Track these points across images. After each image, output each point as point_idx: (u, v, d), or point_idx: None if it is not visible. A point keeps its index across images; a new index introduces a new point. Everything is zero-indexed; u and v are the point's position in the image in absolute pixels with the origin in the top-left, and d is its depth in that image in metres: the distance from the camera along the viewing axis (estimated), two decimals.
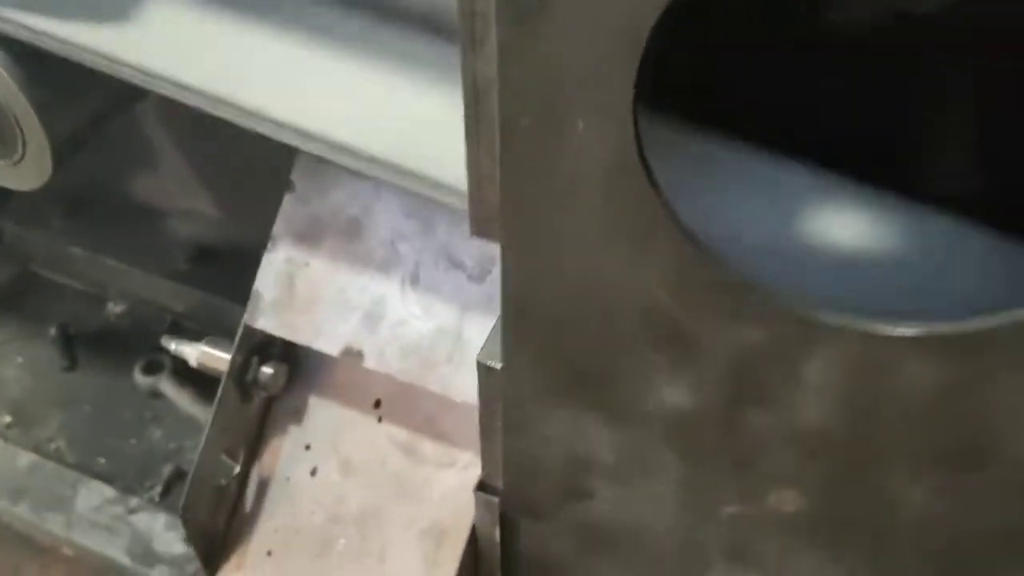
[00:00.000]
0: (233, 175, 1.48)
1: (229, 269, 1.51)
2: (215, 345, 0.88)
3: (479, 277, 0.77)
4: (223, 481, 0.88)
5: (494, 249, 0.77)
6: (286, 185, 0.82)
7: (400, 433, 0.87)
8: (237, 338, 0.83)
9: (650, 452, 0.60)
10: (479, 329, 0.77)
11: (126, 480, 1.36)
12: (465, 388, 0.77)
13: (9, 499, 1.28)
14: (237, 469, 0.89)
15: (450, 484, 0.86)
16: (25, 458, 1.34)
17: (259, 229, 1.53)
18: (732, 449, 0.57)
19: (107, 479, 1.37)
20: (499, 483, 0.71)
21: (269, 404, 0.90)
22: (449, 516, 0.86)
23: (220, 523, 0.90)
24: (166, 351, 0.90)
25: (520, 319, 0.56)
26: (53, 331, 1.45)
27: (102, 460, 1.40)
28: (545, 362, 0.58)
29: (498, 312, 0.74)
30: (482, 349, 0.62)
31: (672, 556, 0.68)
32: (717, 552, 0.65)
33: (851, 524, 0.57)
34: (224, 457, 0.88)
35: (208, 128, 1.46)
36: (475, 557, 0.81)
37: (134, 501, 1.32)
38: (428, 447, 0.87)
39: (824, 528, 0.59)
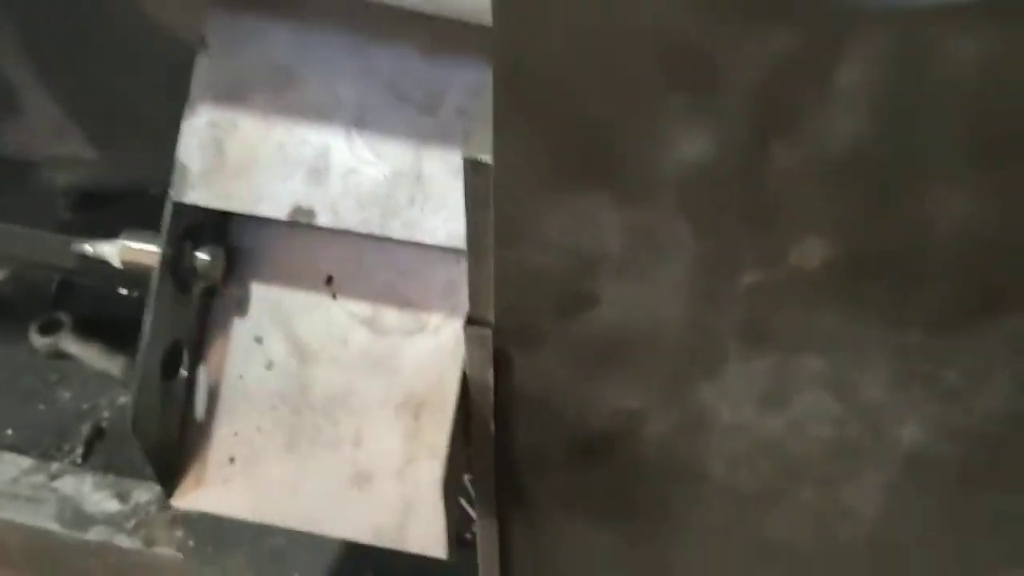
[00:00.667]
0: (105, 110, 1.36)
1: (117, 212, 1.39)
2: (138, 238, 0.79)
3: (432, 109, 0.71)
4: (170, 389, 0.80)
5: (444, 78, 0.72)
6: (199, 47, 0.74)
7: (359, 307, 0.81)
8: (166, 220, 0.75)
9: (663, 228, 0.56)
10: (439, 165, 0.71)
11: (42, 447, 1.26)
12: (434, 229, 0.72)
13: None
14: (184, 373, 0.81)
15: (421, 351, 0.80)
16: None
17: (143, 164, 1.42)
18: (753, 201, 0.53)
19: (20, 449, 1.26)
20: (490, 314, 0.66)
21: (208, 300, 0.82)
22: (424, 384, 0.80)
23: (173, 436, 0.82)
24: (84, 255, 0.81)
25: (515, 92, 0.51)
26: None
27: (10, 432, 1.29)
28: (544, 141, 0.53)
29: (457, 144, 0.69)
30: (467, 145, 0.56)
31: (684, 354, 0.64)
32: (732, 338, 0.62)
33: (881, 264, 0.55)
34: (167, 362, 0.79)
35: (72, 61, 1.34)
36: (464, 416, 0.76)
37: (55, 466, 1.22)
38: (392, 316, 0.80)
39: (851, 278, 0.56)
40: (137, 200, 1.39)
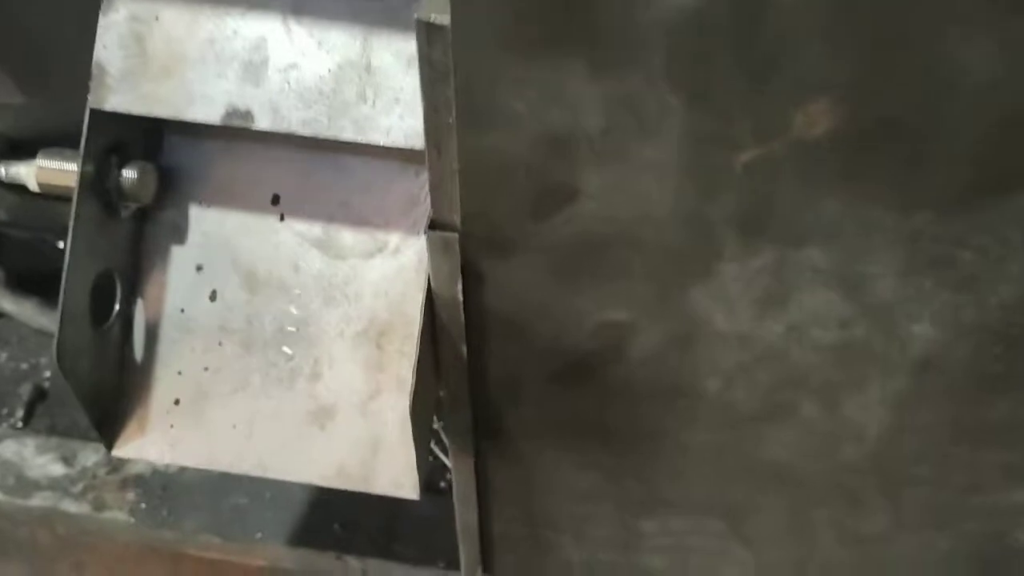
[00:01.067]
0: (33, 53, 1.26)
1: None
2: (56, 157, 0.71)
3: None
4: (101, 326, 0.72)
5: None
6: None
7: (310, 228, 0.73)
8: (84, 130, 0.66)
9: (647, 97, 0.49)
10: (391, 55, 0.63)
11: None
12: (388, 128, 0.64)
13: None
14: (116, 308, 0.73)
15: (381, 273, 0.73)
16: None
17: (74, 109, 1.32)
18: (749, 56, 0.46)
19: None
20: (455, 218, 0.59)
21: (141, 226, 0.74)
22: (386, 310, 0.73)
23: (109, 380, 0.74)
24: None
25: None
26: None
27: None
28: None
29: (411, 29, 0.61)
30: (421, 7, 0.49)
31: (674, 252, 0.57)
32: (728, 229, 0.56)
33: (891, 131, 0.48)
34: (97, 295, 0.71)
35: None
36: (432, 342, 0.69)
37: None
38: (347, 237, 0.73)
39: (858, 150, 0.50)
40: (68, 147, 1.30)
